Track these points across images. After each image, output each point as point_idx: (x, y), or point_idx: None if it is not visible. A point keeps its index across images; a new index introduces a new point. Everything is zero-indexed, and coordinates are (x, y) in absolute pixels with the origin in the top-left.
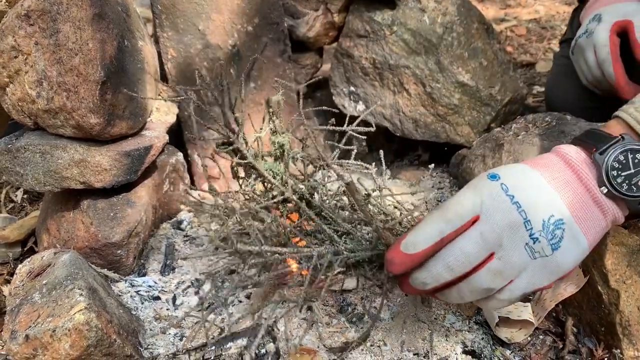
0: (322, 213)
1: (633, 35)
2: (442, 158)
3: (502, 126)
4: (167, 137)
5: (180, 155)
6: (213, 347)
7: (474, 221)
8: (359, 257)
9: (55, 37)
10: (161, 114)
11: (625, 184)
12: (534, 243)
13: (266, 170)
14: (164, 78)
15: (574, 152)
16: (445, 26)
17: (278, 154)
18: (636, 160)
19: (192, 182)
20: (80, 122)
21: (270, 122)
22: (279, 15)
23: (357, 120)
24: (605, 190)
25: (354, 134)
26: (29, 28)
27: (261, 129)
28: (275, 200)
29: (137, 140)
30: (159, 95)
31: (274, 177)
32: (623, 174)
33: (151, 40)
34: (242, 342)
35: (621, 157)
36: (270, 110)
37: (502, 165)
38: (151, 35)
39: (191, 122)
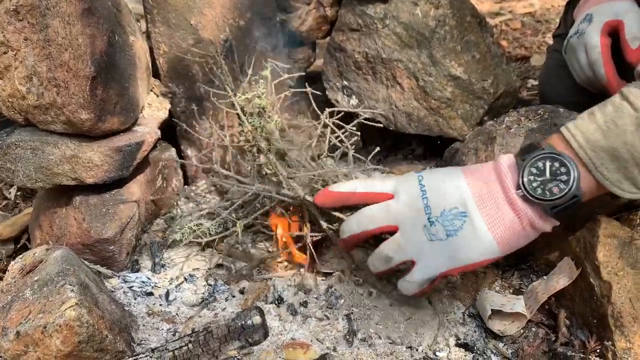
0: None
1: (623, 36)
2: (435, 151)
3: (495, 119)
4: (159, 133)
5: (173, 150)
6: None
7: (388, 198)
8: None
9: (45, 32)
10: (153, 110)
11: (539, 189)
12: (431, 226)
13: (249, 122)
14: (156, 74)
15: (505, 159)
16: (438, 19)
17: (258, 111)
18: (553, 168)
19: (186, 177)
20: (71, 117)
21: (258, 88)
22: (271, 10)
23: (356, 121)
24: (521, 193)
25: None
26: (18, 23)
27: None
28: (250, 144)
29: (128, 136)
30: (151, 90)
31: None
32: (539, 179)
33: (143, 36)
34: (230, 315)
35: (539, 164)
36: (261, 79)
37: None
38: (144, 31)
39: (184, 117)
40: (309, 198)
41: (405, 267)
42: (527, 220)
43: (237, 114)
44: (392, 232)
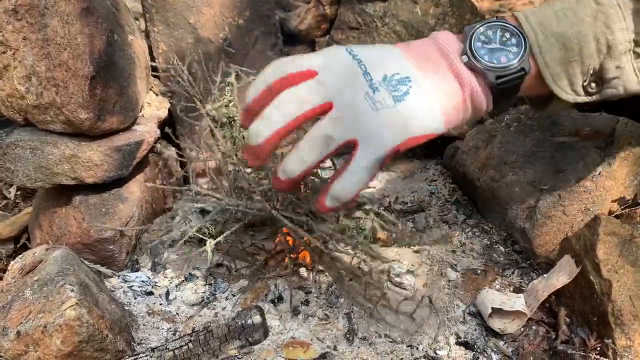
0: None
1: None
2: (436, 150)
3: (495, 117)
4: (158, 132)
5: (172, 149)
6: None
7: (312, 76)
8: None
9: (44, 31)
10: (152, 109)
11: (487, 56)
12: (374, 92)
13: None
14: (155, 73)
15: (443, 33)
16: (437, 17)
17: (228, 121)
18: (504, 38)
19: (185, 176)
20: (70, 117)
21: (225, 96)
22: (270, 8)
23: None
24: (466, 59)
25: None
26: (17, 23)
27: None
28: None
29: (128, 135)
30: (150, 89)
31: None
32: (487, 46)
33: (142, 35)
34: (230, 315)
35: (489, 32)
36: (227, 86)
37: None
38: (142, 30)
39: (183, 116)
40: (274, 212)
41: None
42: (469, 90)
43: (209, 125)
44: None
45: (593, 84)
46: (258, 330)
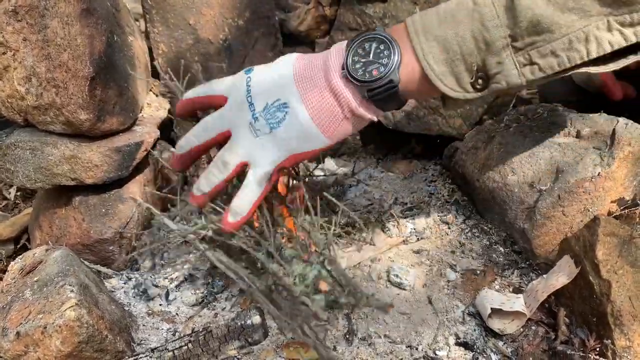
0: None
1: None
2: (435, 151)
3: (494, 118)
4: (158, 133)
5: (173, 150)
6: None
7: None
8: None
9: (44, 32)
10: (152, 110)
11: (360, 70)
12: (255, 122)
13: None
14: (155, 74)
15: (338, 44)
16: None
17: None
18: (378, 50)
19: (185, 177)
20: (70, 118)
21: None
22: (270, 9)
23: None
24: (343, 74)
25: None
26: (17, 24)
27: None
28: None
29: (128, 136)
30: (150, 90)
31: None
32: (362, 60)
33: (142, 36)
34: (229, 316)
35: (366, 45)
36: None
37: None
38: (143, 31)
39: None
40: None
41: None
42: (346, 106)
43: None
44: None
45: (480, 80)
46: (258, 331)
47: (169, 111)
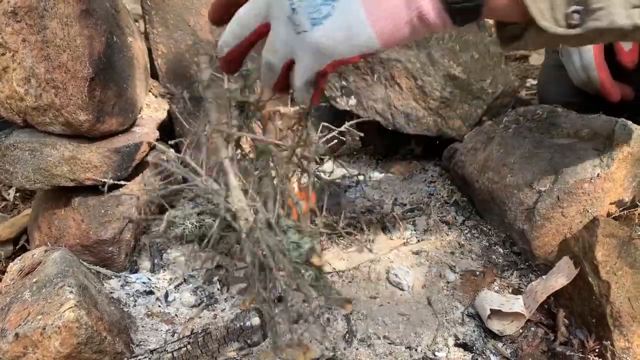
0: None
1: (617, 42)
2: (434, 152)
3: (494, 119)
4: (157, 134)
5: (171, 151)
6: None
7: None
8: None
9: (43, 33)
10: (151, 110)
11: None
12: (293, 13)
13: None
14: (154, 74)
15: None
16: None
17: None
18: None
19: (184, 178)
20: (70, 119)
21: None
22: None
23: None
24: None
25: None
26: (16, 25)
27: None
28: None
29: (127, 137)
30: (150, 91)
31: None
32: None
33: (141, 37)
34: (228, 317)
35: None
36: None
37: None
38: (142, 32)
39: (182, 118)
40: None
41: None
42: (416, 9)
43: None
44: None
45: (576, 15)
46: (257, 332)
47: (169, 112)
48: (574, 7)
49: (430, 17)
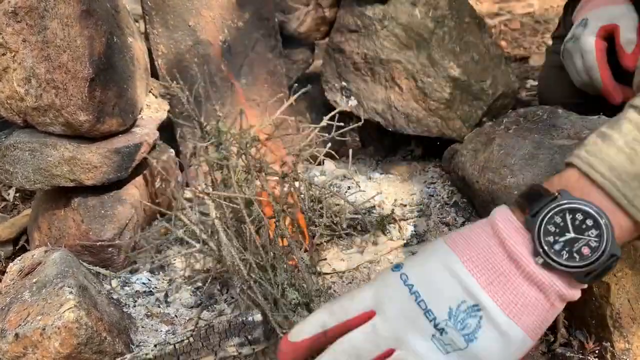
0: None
1: (619, 40)
2: (434, 153)
3: (494, 120)
4: (157, 134)
5: (172, 152)
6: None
7: (370, 317)
8: None
9: (43, 34)
10: (152, 111)
11: (565, 252)
12: (442, 334)
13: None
14: (154, 75)
15: (505, 219)
16: (437, 20)
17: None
18: (576, 222)
19: (186, 184)
20: (70, 119)
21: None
22: (270, 11)
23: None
24: (541, 261)
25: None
26: (17, 25)
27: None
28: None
29: (127, 138)
30: (150, 91)
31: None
32: (561, 239)
33: (141, 37)
34: (227, 317)
35: (557, 219)
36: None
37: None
38: (142, 32)
39: (182, 119)
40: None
41: None
42: (555, 294)
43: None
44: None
45: None
46: (258, 328)
47: (169, 112)
48: None
49: (570, 294)
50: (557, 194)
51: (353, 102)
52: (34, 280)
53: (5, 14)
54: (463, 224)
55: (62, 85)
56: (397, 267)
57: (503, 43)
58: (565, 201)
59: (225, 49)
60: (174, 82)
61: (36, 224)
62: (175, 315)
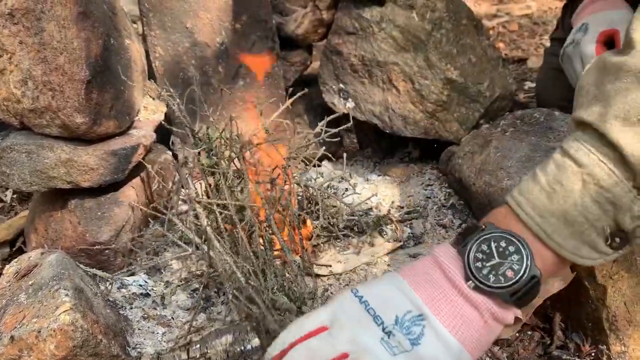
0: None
1: (619, 46)
2: (432, 155)
3: (491, 122)
4: (154, 136)
5: (169, 153)
6: (198, 346)
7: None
8: None
9: (40, 36)
10: (149, 113)
11: (492, 275)
12: (389, 337)
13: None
14: (152, 76)
15: (444, 250)
16: (434, 23)
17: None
18: (500, 249)
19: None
20: (66, 121)
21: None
22: (267, 13)
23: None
24: (472, 285)
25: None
26: (13, 27)
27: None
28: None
29: (124, 139)
30: (147, 93)
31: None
32: (487, 264)
33: (139, 39)
34: (227, 339)
35: (484, 247)
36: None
37: None
38: (140, 34)
39: (179, 121)
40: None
41: None
42: (487, 312)
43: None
44: None
45: (617, 239)
46: (257, 352)
47: (166, 114)
48: (612, 237)
49: (502, 315)
50: (483, 226)
51: (350, 104)
52: (30, 282)
53: (2, 16)
54: (460, 226)
55: (58, 88)
56: (352, 289)
57: (501, 44)
58: (489, 232)
59: (223, 51)
60: (164, 89)
61: (33, 225)
62: (172, 318)
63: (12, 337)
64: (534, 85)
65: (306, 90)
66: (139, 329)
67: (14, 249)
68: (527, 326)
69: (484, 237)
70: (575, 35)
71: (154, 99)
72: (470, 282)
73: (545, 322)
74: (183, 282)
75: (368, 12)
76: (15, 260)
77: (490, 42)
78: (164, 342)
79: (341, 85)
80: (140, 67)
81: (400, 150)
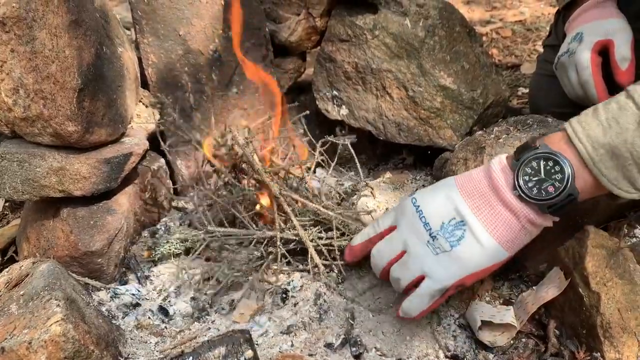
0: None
1: (613, 57)
2: (426, 161)
3: (484, 129)
4: (147, 144)
5: (162, 161)
6: (191, 357)
7: (392, 230)
8: None
9: (32, 44)
10: (142, 120)
11: (535, 189)
12: (434, 240)
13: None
14: (145, 84)
15: (497, 162)
16: (427, 30)
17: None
18: (547, 167)
19: (175, 188)
20: (58, 130)
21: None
22: (261, 20)
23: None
24: (517, 194)
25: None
26: (5, 35)
27: None
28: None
29: (116, 148)
30: (140, 101)
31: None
32: (534, 179)
33: (132, 46)
34: (220, 351)
35: (534, 164)
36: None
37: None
38: (133, 41)
39: (173, 129)
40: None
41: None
42: (524, 218)
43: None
44: None
45: None
46: None
47: (158, 122)
48: None
49: (540, 221)
50: (538, 145)
51: (344, 111)
52: (21, 292)
53: None
54: None
55: (50, 96)
56: (412, 194)
57: (494, 51)
58: (541, 151)
59: (216, 59)
60: (158, 103)
61: (25, 234)
62: (165, 327)
63: (2, 349)
64: (527, 90)
65: (297, 103)
66: (131, 339)
67: (5, 257)
68: (522, 333)
69: (537, 155)
70: (570, 45)
71: (147, 106)
72: (516, 191)
73: (540, 329)
74: (177, 290)
75: (361, 20)
76: (7, 269)
77: (483, 49)
78: (157, 352)
79: (335, 92)
80: (133, 75)
81: (394, 157)
